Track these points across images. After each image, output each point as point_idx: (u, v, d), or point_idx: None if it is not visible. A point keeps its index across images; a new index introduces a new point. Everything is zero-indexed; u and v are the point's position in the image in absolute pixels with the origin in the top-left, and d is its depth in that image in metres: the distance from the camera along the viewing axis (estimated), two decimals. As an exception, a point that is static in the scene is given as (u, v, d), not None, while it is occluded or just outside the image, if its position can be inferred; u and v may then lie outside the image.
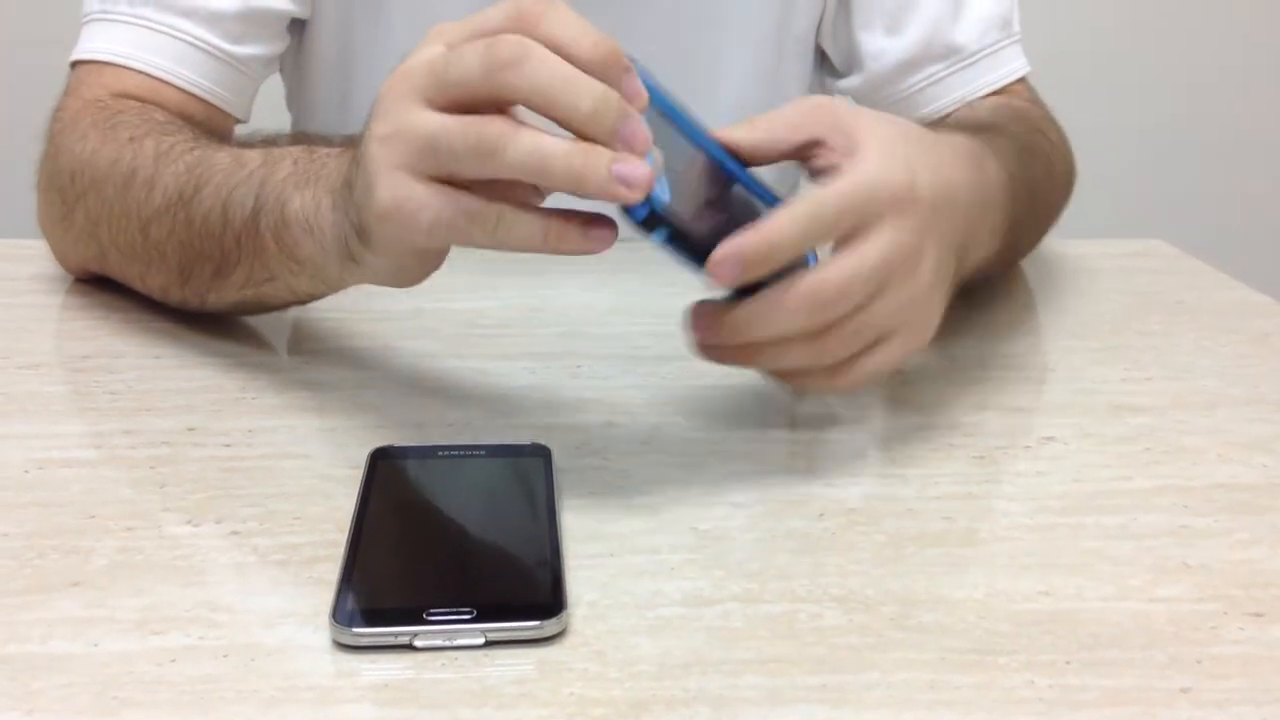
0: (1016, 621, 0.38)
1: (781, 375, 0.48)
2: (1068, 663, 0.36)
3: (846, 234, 0.44)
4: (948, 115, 0.76)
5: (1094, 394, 0.56)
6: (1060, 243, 0.78)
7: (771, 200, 0.46)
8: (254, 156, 0.53)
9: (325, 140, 0.55)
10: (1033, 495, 0.46)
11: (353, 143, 0.47)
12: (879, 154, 0.45)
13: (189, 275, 0.57)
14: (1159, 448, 0.50)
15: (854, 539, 0.43)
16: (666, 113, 0.43)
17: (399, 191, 0.41)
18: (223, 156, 0.55)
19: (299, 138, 0.57)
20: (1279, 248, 1.63)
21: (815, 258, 0.46)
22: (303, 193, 0.49)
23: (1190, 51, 1.58)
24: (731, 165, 0.46)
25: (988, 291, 0.69)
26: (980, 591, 0.39)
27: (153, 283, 0.60)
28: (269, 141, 0.59)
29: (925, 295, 0.47)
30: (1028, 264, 0.75)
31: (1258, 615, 0.39)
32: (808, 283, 0.44)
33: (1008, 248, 0.61)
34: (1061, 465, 0.48)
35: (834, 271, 0.44)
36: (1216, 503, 0.46)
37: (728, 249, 0.42)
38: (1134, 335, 0.64)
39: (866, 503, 0.45)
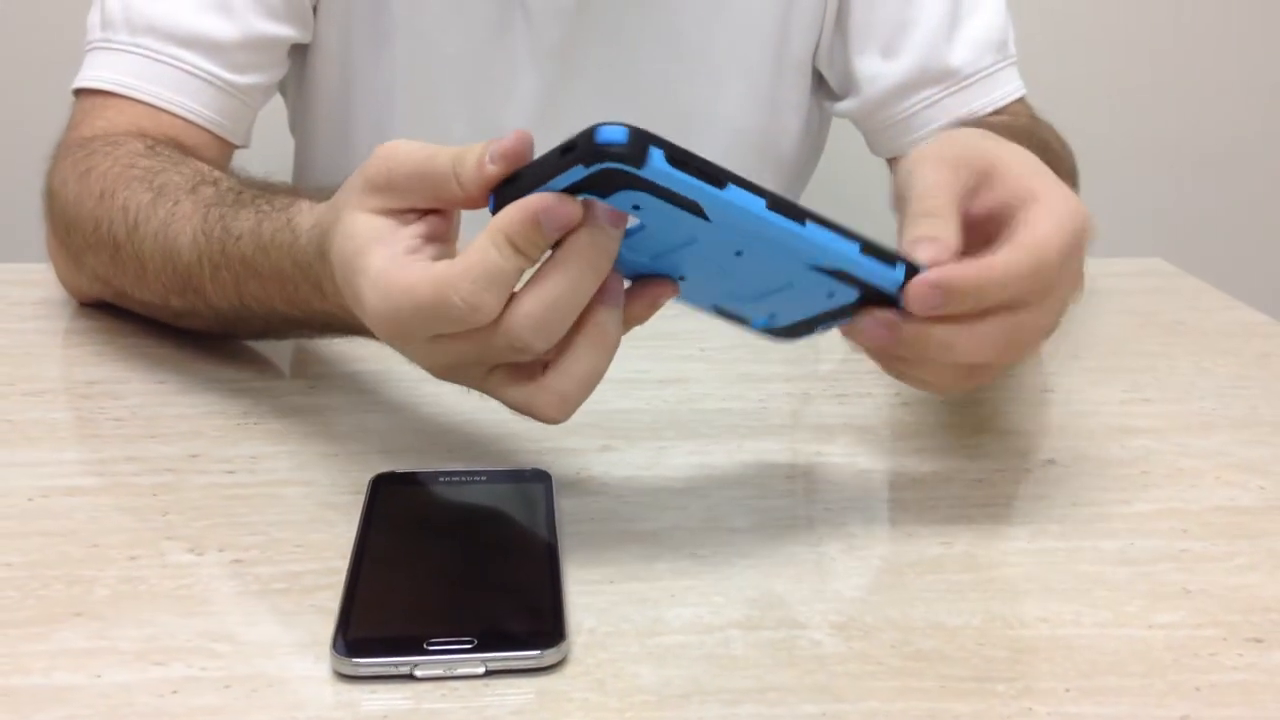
0: (1015, 648, 0.38)
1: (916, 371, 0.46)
2: (1066, 690, 0.36)
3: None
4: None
5: (1093, 416, 0.56)
6: (1060, 262, 0.78)
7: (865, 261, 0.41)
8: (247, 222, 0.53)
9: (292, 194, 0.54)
10: (1031, 519, 0.46)
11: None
12: (1061, 192, 0.44)
13: (234, 329, 0.59)
14: (1158, 470, 0.50)
15: (853, 564, 0.43)
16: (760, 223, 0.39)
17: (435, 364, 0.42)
18: (188, 233, 0.55)
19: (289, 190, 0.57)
20: (1278, 265, 1.63)
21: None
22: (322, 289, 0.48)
23: (1190, 69, 1.59)
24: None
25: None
26: (978, 618, 0.40)
27: (191, 325, 0.61)
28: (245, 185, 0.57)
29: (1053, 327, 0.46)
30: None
31: (1257, 641, 0.39)
32: (1012, 322, 0.43)
33: None
34: (1060, 489, 0.49)
35: (1037, 317, 0.43)
36: (1215, 526, 0.46)
37: (937, 275, 0.41)
38: (1133, 356, 0.64)
39: (865, 528, 0.45)
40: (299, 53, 0.77)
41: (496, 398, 0.43)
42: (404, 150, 0.41)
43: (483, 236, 0.38)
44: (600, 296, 0.40)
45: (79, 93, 0.69)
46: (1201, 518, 0.46)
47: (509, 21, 0.75)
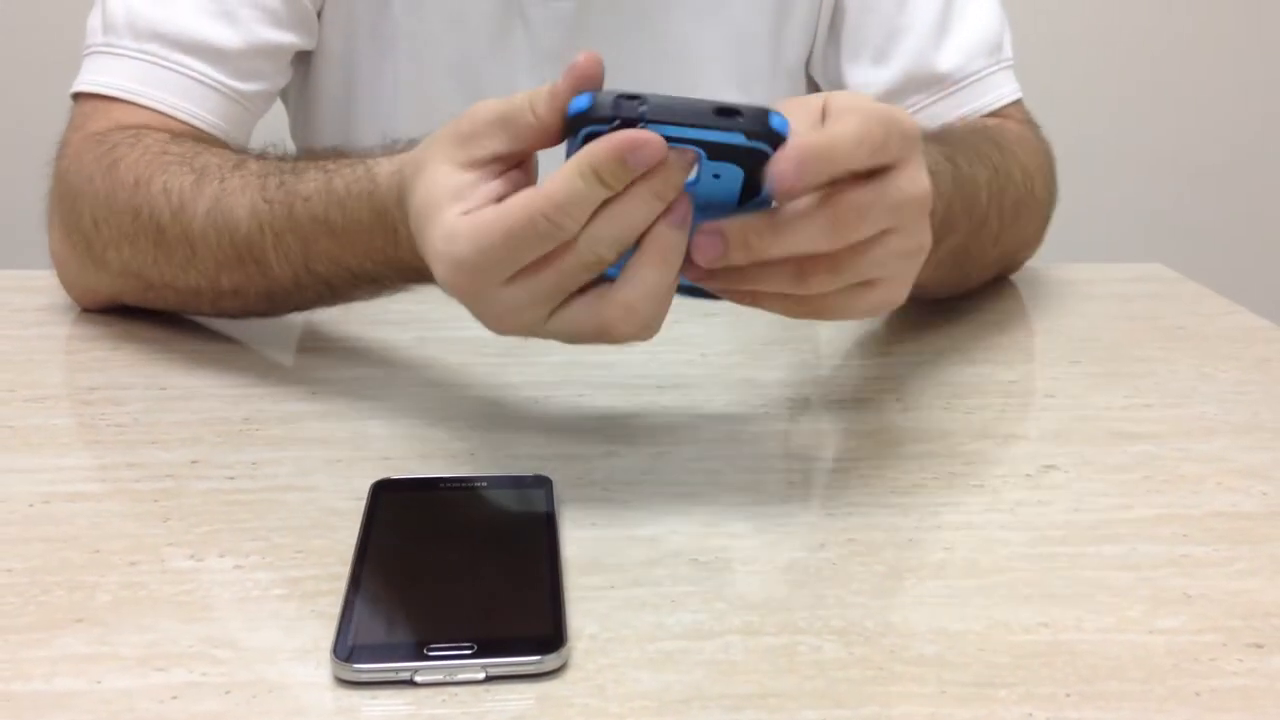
0: (1016, 653, 0.38)
1: (760, 297, 0.45)
2: (1067, 695, 0.36)
3: (884, 164, 0.43)
4: None
5: (1094, 421, 0.56)
6: (1059, 267, 0.79)
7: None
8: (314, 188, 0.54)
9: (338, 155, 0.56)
10: (1033, 525, 0.46)
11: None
12: (877, 104, 0.44)
13: (285, 301, 0.60)
14: (1159, 476, 0.50)
15: (854, 570, 0.43)
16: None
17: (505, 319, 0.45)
18: (243, 215, 0.56)
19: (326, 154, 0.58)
20: (1279, 269, 1.63)
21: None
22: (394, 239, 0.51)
23: (1190, 74, 1.59)
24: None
25: (985, 317, 0.70)
26: (980, 623, 0.40)
27: (228, 308, 0.61)
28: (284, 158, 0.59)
29: (921, 252, 0.46)
30: (1026, 288, 0.75)
31: (1257, 646, 0.39)
32: (834, 199, 0.42)
33: (947, 251, 0.60)
34: (1061, 494, 0.49)
35: (861, 193, 0.42)
36: (1216, 531, 0.46)
37: (791, 151, 0.41)
38: (1134, 361, 0.64)
39: (866, 533, 0.45)
40: (302, 59, 0.77)
41: (563, 332, 0.44)
42: (489, 102, 0.45)
43: (569, 165, 0.41)
44: (665, 215, 0.42)
45: (78, 96, 0.69)
46: (1203, 523, 0.46)
47: (508, 28, 0.76)
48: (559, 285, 0.43)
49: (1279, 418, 0.57)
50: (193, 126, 0.68)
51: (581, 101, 0.41)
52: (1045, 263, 0.77)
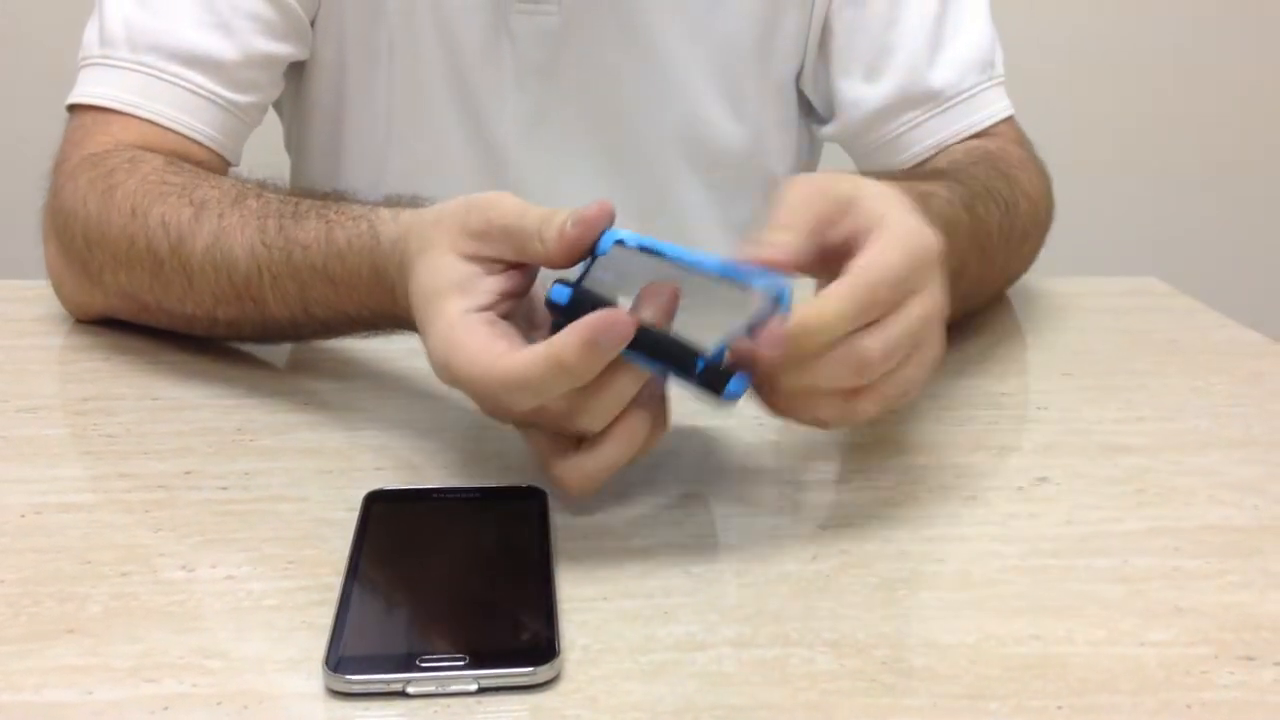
0: (1007, 665, 0.38)
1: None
2: (1059, 708, 0.36)
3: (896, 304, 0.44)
4: (926, 160, 0.76)
5: (1086, 434, 0.56)
6: (1052, 281, 0.79)
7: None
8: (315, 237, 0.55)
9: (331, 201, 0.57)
10: (1024, 537, 0.46)
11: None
12: (905, 218, 0.45)
13: (281, 334, 0.60)
14: (1151, 489, 0.50)
15: (846, 582, 0.43)
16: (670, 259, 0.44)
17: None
18: (242, 253, 0.56)
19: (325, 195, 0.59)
20: (1271, 284, 1.64)
21: (787, 304, 0.44)
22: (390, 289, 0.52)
23: (1184, 88, 1.60)
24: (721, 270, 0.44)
25: (980, 330, 0.70)
26: (972, 635, 0.40)
27: (223, 335, 0.62)
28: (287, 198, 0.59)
29: (938, 360, 0.46)
30: (1020, 302, 0.75)
31: (1248, 659, 0.39)
32: (853, 347, 0.43)
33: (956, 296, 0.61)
34: (1053, 507, 0.49)
35: (880, 339, 0.43)
36: (1208, 545, 0.46)
37: (773, 330, 0.41)
38: (1126, 375, 0.64)
39: (859, 545, 0.45)
40: (295, 69, 0.78)
41: (528, 443, 0.46)
42: (504, 204, 0.46)
43: (542, 350, 0.41)
44: (638, 400, 0.43)
45: (74, 109, 0.69)
46: (1194, 536, 0.47)
47: (495, 42, 0.76)
48: (533, 419, 0.44)
49: (1271, 431, 0.57)
50: (189, 139, 0.68)
51: (561, 295, 0.43)
52: (1038, 276, 0.77)
